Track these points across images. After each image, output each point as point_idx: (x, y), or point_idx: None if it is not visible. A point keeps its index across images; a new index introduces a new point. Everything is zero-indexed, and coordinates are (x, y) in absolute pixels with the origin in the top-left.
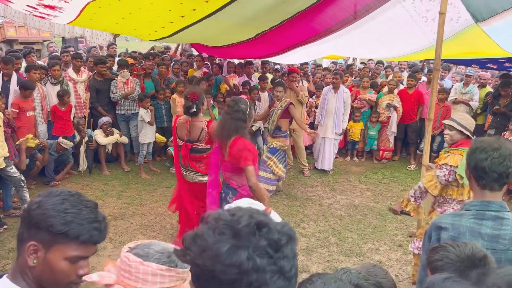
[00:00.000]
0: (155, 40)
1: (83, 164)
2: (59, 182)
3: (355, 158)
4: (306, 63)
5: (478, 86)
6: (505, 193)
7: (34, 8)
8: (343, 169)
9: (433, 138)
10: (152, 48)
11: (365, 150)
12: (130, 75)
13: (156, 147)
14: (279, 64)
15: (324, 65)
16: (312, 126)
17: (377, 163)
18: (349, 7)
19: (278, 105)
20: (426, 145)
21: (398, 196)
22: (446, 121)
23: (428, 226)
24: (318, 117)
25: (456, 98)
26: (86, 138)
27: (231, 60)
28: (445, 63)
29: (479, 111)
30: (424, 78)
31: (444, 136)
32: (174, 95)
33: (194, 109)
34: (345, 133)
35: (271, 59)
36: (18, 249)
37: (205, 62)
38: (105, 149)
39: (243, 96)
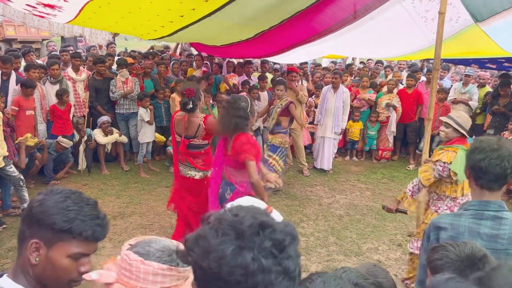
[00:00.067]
0: (155, 39)
1: (82, 163)
2: (59, 181)
3: (355, 158)
4: (306, 63)
5: (477, 86)
6: (504, 193)
7: (34, 7)
8: (342, 168)
9: (432, 138)
10: (152, 48)
11: (364, 149)
12: (130, 75)
13: (155, 146)
14: (278, 63)
15: (324, 65)
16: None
17: (376, 162)
18: (349, 7)
19: (278, 103)
20: (425, 144)
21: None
22: (443, 118)
23: (427, 226)
24: (317, 117)
25: (455, 98)
26: (85, 138)
27: (231, 60)
28: (444, 63)
29: (478, 111)
30: (423, 78)
31: (440, 132)
32: (174, 95)
33: (191, 105)
34: (345, 132)
35: (270, 59)
36: (19, 248)
37: (205, 62)
38: (105, 148)
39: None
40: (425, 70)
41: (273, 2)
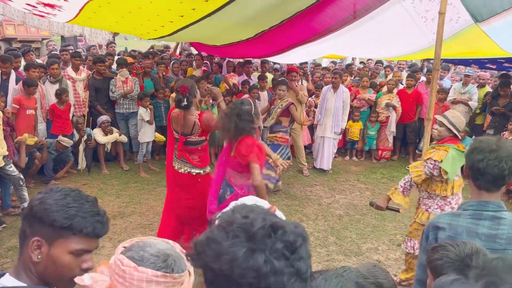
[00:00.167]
0: (155, 39)
1: (82, 163)
2: (59, 181)
3: (354, 158)
4: (306, 63)
5: (477, 86)
6: (504, 193)
7: (34, 6)
8: (342, 168)
9: (432, 138)
10: (152, 47)
11: (364, 149)
12: (129, 74)
13: (155, 146)
14: (278, 63)
15: (324, 65)
16: (311, 125)
17: (376, 162)
18: (349, 7)
19: (279, 104)
20: (425, 145)
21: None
22: (438, 117)
23: (426, 226)
24: (317, 117)
25: (455, 98)
26: (85, 137)
27: (231, 59)
28: (444, 63)
29: (478, 111)
30: (423, 78)
31: (433, 130)
32: (174, 94)
33: (185, 102)
34: (344, 132)
35: (270, 59)
36: (21, 246)
37: (205, 61)
38: (104, 148)
39: (245, 96)
40: (425, 70)
41: (273, 2)
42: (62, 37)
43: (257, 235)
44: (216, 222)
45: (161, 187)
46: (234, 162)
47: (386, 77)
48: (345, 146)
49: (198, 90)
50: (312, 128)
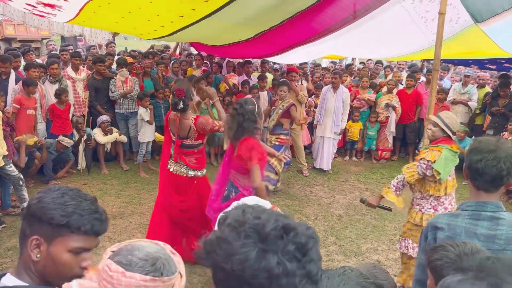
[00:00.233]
0: (155, 39)
1: (82, 162)
2: (58, 181)
3: (354, 158)
4: (305, 63)
5: (477, 87)
6: (504, 194)
7: (34, 6)
8: (342, 168)
9: None
10: (152, 47)
11: (364, 150)
12: (129, 74)
13: (155, 146)
14: (278, 63)
15: (323, 65)
16: (311, 125)
17: (375, 163)
18: (349, 7)
19: (280, 105)
20: (425, 145)
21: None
22: (432, 117)
23: (425, 226)
24: (317, 117)
25: (454, 98)
26: (85, 137)
27: (231, 59)
28: (444, 64)
29: (478, 111)
30: (423, 78)
31: (426, 131)
32: None
33: (181, 105)
34: (344, 132)
35: (270, 59)
36: (21, 246)
37: (205, 61)
38: (104, 148)
39: (248, 96)
40: (424, 70)
41: (273, 2)
42: (62, 37)
43: (270, 236)
44: (220, 221)
45: None
46: (236, 163)
47: (386, 77)
48: (345, 146)
49: (194, 93)
50: (311, 128)
